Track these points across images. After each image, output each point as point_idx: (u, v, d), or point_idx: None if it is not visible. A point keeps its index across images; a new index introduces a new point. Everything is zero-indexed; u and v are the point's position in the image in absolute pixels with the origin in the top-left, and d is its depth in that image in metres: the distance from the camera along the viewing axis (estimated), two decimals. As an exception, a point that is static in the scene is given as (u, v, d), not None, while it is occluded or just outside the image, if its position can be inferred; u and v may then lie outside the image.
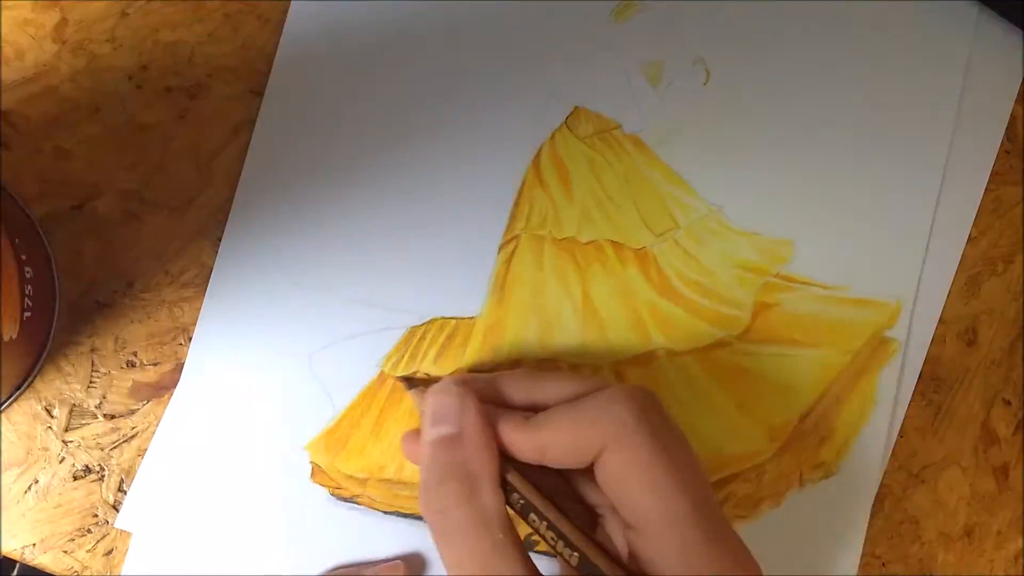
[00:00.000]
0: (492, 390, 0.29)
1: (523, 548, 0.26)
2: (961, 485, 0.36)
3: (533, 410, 0.28)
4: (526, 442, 0.27)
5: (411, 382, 0.32)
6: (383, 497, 0.33)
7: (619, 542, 0.28)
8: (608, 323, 0.34)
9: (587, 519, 0.29)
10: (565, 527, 0.26)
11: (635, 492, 0.26)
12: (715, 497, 0.26)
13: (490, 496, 0.26)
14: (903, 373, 0.35)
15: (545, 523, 0.27)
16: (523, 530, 0.28)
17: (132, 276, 0.33)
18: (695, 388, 0.34)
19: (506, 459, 0.27)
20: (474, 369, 0.33)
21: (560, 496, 0.28)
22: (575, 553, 0.26)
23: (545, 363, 0.34)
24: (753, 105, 0.35)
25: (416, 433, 0.30)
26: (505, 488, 0.27)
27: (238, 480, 0.33)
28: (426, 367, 0.33)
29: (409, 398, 0.32)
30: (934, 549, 0.35)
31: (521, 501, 0.27)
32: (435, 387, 0.28)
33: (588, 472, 0.27)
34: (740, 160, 0.35)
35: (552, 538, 0.26)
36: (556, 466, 0.27)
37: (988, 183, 0.36)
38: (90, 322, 0.33)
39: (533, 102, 0.34)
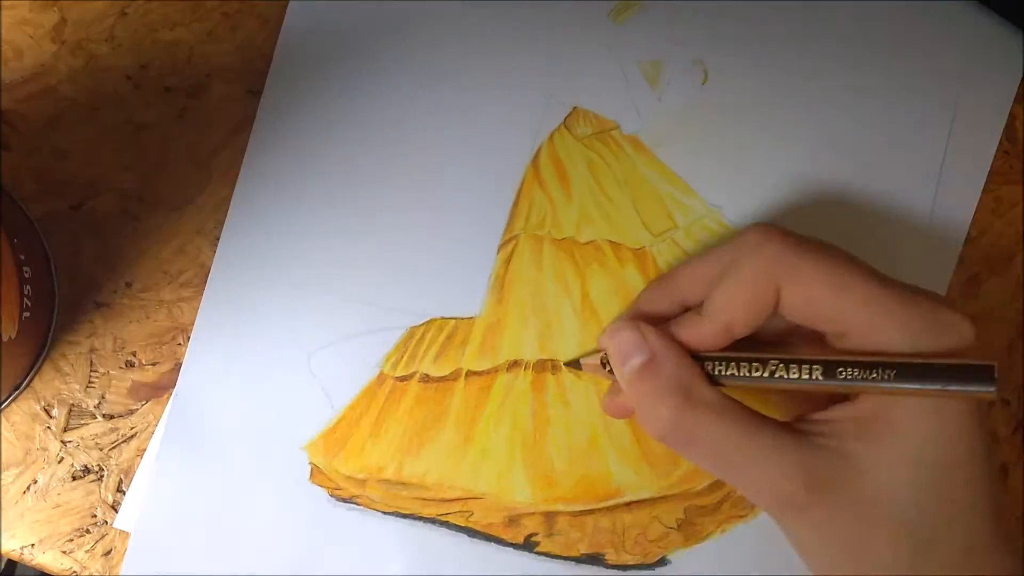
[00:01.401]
0: (642, 313, 0.31)
1: (760, 414, 0.27)
2: (960, 485, 0.36)
3: (686, 309, 0.30)
4: (711, 330, 0.28)
5: (575, 364, 0.33)
6: (382, 498, 0.33)
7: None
8: (607, 323, 0.34)
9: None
10: (784, 355, 0.27)
11: (831, 302, 0.27)
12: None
13: (706, 391, 0.27)
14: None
15: (762, 364, 0.27)
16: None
17: (131, 276, 0.33)
18: (694, 388, 0.34)
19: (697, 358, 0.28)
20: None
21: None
22: (814, 367, 0.26)
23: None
24: (752, 105, 0.35)
25: (612, 393, 0.31)
26: (713, 377, 0.28)
27: (237, 480, 0.33)
28: (425, 367, 0.33)
29: (587, 370, 0.33)
30: (933, 549, 0.35)
31: (732, 368, 0.28)
32: (608, 330, 0.29)
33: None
34: (739, 160, 0.35)
35: (780, 372, 0.27)
36: (746, 333, 0.28)
37: (987, 183, 0.36)
38: (89, 322, 0.33)
39: (532, 102, 0.34)
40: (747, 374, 0.28)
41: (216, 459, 0.33)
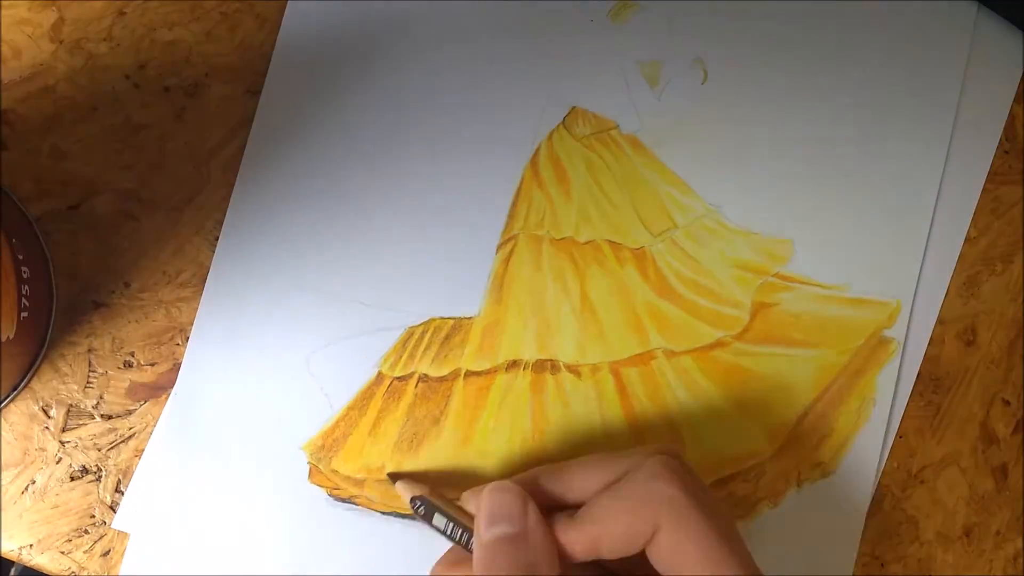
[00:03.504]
0: (533, 490, 0.29)
1: None
2: (960, 485, 0.35)
3: (568, 506, 0.28)
4: (579, 538, 0.27)
5: (395, 477, 0.32)
6: (381, 497, 0.33)
7: None
8: (606, 323, 0.34)
9: None
10: None
11: (693, 565, 0.25)
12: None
13: None
14: (901, 373, 0.35)
15: None
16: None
17: (129, 276, 0.33)
18: (693, 388, 0.34)
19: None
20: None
21: None
22: None
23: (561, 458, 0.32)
24: (751, 105, 0.35)
25: (448, 562, 0.29)
26: None
27: (236, 481, 0.32)
28: (424, 367, 0.33)
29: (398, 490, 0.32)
30: (933, 549, 0.35)
31: None
32: (493, 485, 0.28)
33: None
34: (738, 160, 0.35)
35: None
36: (610, 556, 0.27)
37: (987, 183, 0.36)
38: (87, 322, 0.33)
39: (531, 102, 0.34)
40: None
41: (215, 459, 0.32)
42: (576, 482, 0.28)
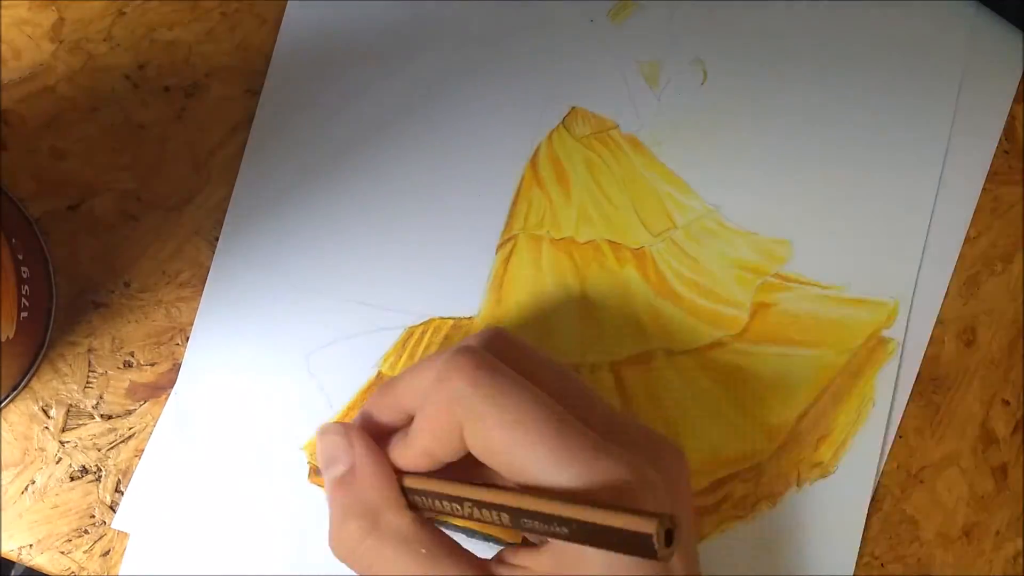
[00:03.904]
0: (369, 419, 0.29)
1: (456, 548, 0.26)
2: (960, 485, 0.35)
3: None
4: (415, 454, 0.26)
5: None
6: (380, 497, 0.33)
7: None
8: (606, 323, 0.34)
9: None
10: (475, 493, 0.25)
11: (503, 442, 0.24)
12: (575, 415, 0.25)
13: (395, 517, 0.26)
14: (901, 373, 0.35)
15: (458, 503, 0.25)
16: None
17: (129, 276, 0.33)
18: (693, 388, 0.34)
19: (408, 475, 0.27)
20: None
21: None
22: (502, 513, 0.24)
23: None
24: (751, 104, 0.35)
25: None
26: (413, 502, 0.26)
27: (235, 481, 0.32)
28: (424, 367, 0.33)
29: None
30: (933, 549, 0.35)
31: (430, 500, 0.26)
32: (319, 429, 0.28)
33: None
34: (738, 159, 0.35)
35: (474, 512, 0.25)
36: (452, 459, 0.26)
37: (986, 183, 0.36)
38: (87, 322, 0.33)
39: (530, 102, 0.34)
40: (447, 510, 0.26)
41: (215, 459, 0.32)
42: (405, 400, 0.28)
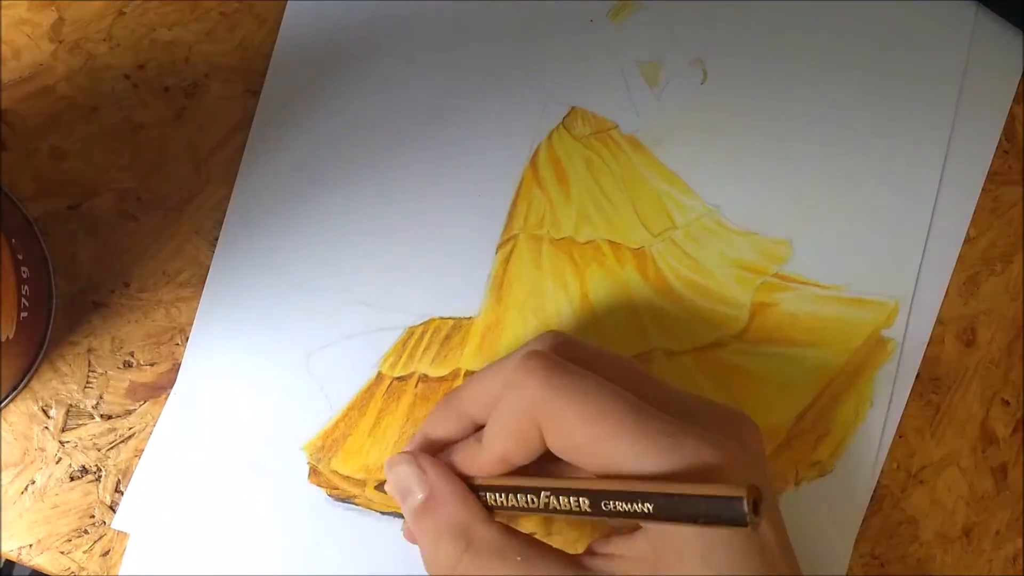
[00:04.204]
0: (428, 438, 0.29)
1: (546, 549, 0.26)
2: (960, 485, 0.35)
3: (478, 426, 0.28)
4: (488, 459, 0.27)
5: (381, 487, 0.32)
6: (380, 498, 0.33)
7: None
8: (606, 323, 0.34)
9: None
10: (552, 482, 0.26)
11: (585, 438, 0.25)
12: (649, 401, 0.26)
13: (485, 531, 0.26)
14: (900, 373, 0.35)
15: (535, 493, 0.26)
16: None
17: (129, 276, 0.33)
18: (693, 388, 0.34)
19: (480, 487, 0.27)
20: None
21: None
22: (582, 498, 0.25)
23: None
24: (750, 104, 0.35)
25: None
26: (494, 510, 0.27)
27: (235, 481, 0.32)
28: (424, 367, 0.33)
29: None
30: (932, 549, 0.35)
31: (504, 497, 0.27)
32: (386, 463, 0.28)
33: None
34: (738, 159, 0.35)
35: (551, 502, 0.25)
36: (525, 462, 0.27)
37: (986, 183, 0.36)
38: (87, 322, 0.33)
39: (530, 102, 0.34)
40: (523, 504, 0.26)
41: (214, 459, 0.32)
42: (471, 409, 0.28)
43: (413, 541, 0.29)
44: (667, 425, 0.25)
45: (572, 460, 0.26)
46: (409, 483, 0.28)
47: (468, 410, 0.29)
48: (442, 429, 0.29)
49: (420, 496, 0.27)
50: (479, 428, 0.28)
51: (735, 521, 0.21)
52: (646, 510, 0.23)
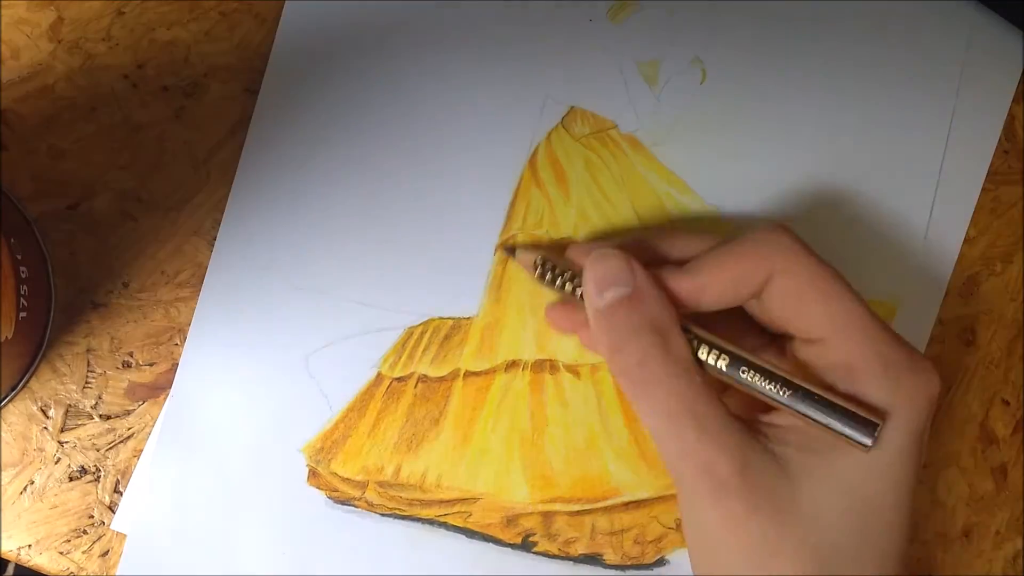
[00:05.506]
0: (639, 249, 0.29)
1: (716, 392, 0.27)
2: (959, 485, 0.35)
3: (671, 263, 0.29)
4: (687, 286, 0.28)
5: (510, 250, 0.32)
6: (380, 499, 0.33)
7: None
8: (605, 323, 0.34)
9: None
10: (758, 360, 0.27)
11: (817, 304, 0.27)
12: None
13: (682, 345, 0.27)
14: (901, 373, 0.35)
15: (735, 362, 0.27)
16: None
17: (128, 276, 0.33)
18: (692, 388, 0.34)
19: None
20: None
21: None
22: (777, 384, 0.26)
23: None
24: (750, 104, 0.35)
25: (561, 305, 0.31)
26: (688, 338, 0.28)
27: (234, 482, 0.32)
28: (423, 368, 0.33)
29: (518, 266, 0.33)
30: (932, 549, 0.35)
31: (711, 350, 0.27)
32: (594, 255, 0.28)
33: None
34: (737, 159, 0.35)
35: (747, 377, 0.27)
36: (710, 307, 0.28)
37: (986, 183, 0.36)
38: (86, 322, 0.33)
39: (529, 102, 0.34)
40: (716, 364, 0.27)
41: (213, 460, 0.32)
42: (679, 242, 0.30)
43: (557, 326, 0.31)
44: (906, 352, 0.27)
45: (774, 321, 0.28)
46: (615, 276, 0.28)
47: (674, 244, 0.30)
48: (640, 250, 0.29)
49: (623, 291, 0.27)
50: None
51: (863, 435, 0.26)
52: (781, 392, 0.26)
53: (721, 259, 0.28)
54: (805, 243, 0.28)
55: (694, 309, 0.28)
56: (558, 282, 0.30)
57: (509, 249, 0.33)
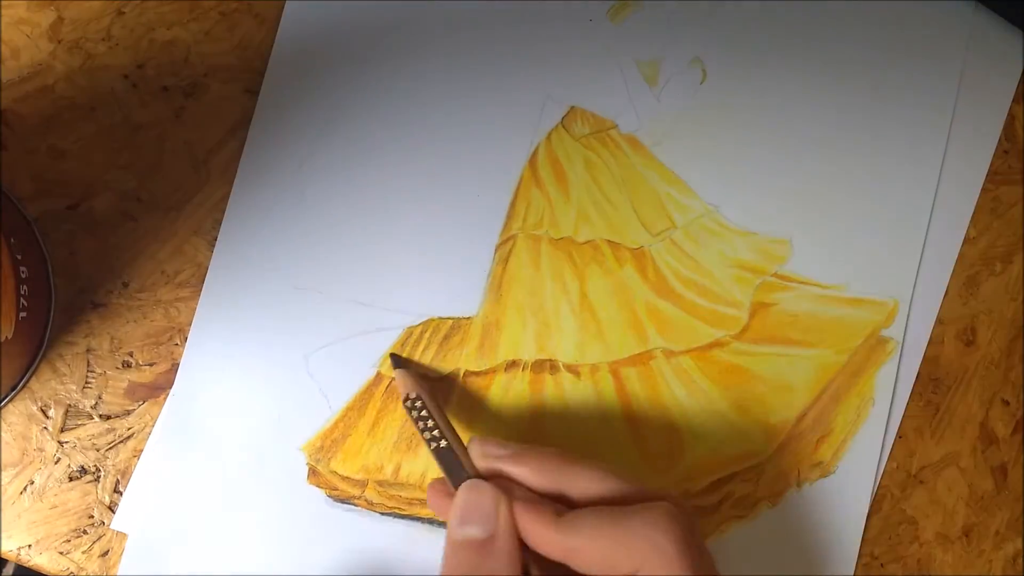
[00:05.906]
0: (519, 465, 0.28)
1: None
2: (960, 485, 0.35)
3: (559, 499, 0.28)
4: (556, 544, 0.26)
5: (400, 360, 0.31)
6: (380, 498, 0.33)
7: None
8: (605, 323, 0.34)
9: None
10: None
11: None
12: None
13: None
14: (900, 372, 0.35)
15: None
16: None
17: (128, 276, 0.33)
18: (692, 388, 0.34)
19: (526, 552, 0.27)
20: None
21: None
22: None
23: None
24: (750, 104, 0.35)
25: (443, 483, 0.29)
26: None
27: (234, 481, 0.32)
28: (423, 367, 0.33)
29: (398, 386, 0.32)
30: (932, 549, 0.35)
31: None
32: (468, 483, 0.28)
33: None
34: (737, 159, 0.35)
35: None
36: (577, 570, 0.26)
37: (986, 183, 0.36)
38: (86, 322, 0.33)
39: (529, 102, 0.34)
40: None
41: (213, 460, 0.32)
42: (581, 482, 0.28)
43: (437, 512, 0.29)
44: None
45: None
46: (483, 514, 0.27)
47: (573, 483, 0.28)
48: (533, 480, 0.28)
49: (479, 534, 0.27)
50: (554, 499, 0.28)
51: None
52: None
53: (595, 532, 0.26)
54: (690, 549, 0.26)
55: (561, 563, 0.27)
56: (419, 425, 0.29)
57: (396, 359, 0.32)
